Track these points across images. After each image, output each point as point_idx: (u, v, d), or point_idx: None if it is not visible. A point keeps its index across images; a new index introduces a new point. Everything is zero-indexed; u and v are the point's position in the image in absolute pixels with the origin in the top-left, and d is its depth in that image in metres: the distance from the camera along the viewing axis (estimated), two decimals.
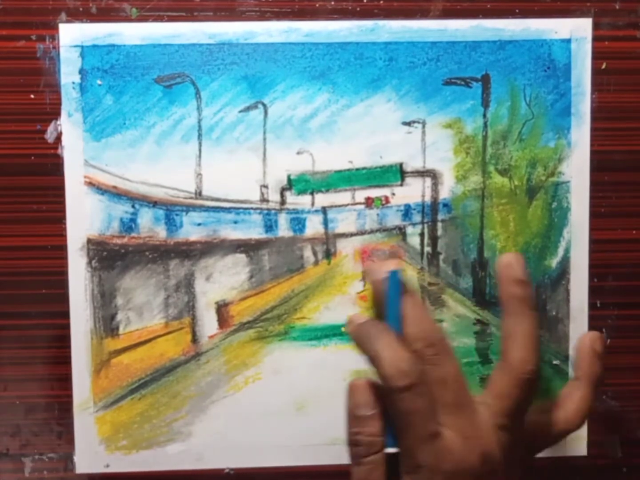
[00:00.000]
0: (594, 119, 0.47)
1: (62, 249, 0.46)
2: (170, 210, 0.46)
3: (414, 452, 0.33)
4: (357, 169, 0.47)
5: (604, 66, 0.47)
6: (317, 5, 0.46)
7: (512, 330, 0.36)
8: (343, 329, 0.37)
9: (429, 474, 0.33)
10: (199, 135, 0.46)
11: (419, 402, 0.33)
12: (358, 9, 0.46)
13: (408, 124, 0.47)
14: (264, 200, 0.47)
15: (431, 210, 0.47)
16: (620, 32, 0.47)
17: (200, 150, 0.46)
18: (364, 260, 0.47)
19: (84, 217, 0.46)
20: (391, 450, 0.33)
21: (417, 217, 0.47)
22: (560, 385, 0.47)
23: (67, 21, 0.45)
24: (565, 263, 0.48)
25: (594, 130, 0.47)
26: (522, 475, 0.37)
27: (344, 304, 0.47)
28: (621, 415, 0.49)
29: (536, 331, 0.36)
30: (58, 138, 0.46)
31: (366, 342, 0.35)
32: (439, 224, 0.47)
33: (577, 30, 0.46)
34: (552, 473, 0.48)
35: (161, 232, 0.46)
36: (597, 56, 0.47)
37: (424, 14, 0.46)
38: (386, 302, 0.34)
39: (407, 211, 0.47)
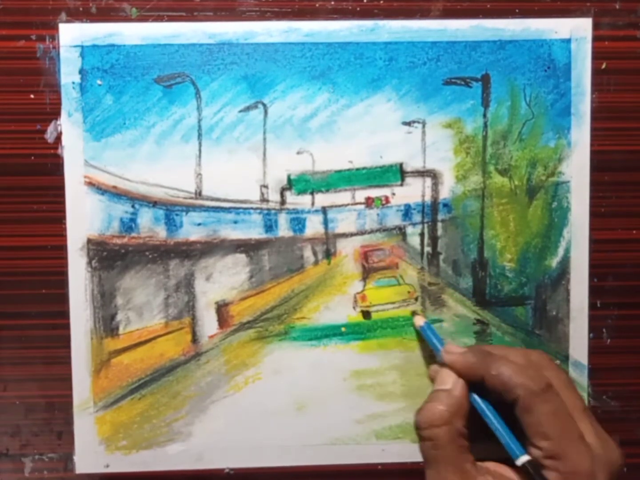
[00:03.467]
0: (594, 119, 0.47)
1: (62, 249, 0.46)
2: (170, 210, 0.46)
3: (570, 455, 0.32)
4: (357, 169, 0.47)
5: (604, 66, 0.47)
6: (317, 5, 0.46)
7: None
8: (441, 355, 0.38)
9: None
10: (199, 135, 0.46)
11: (560, 401, 0.33)
12: (358, 9, 0.46)
13: (408, 124, 0.47)
14: (264, 200, 0.47)
15: (431, 210, 0.47)
16: (620, 32, 0.47)
17: (200, 150, 0.46)
18: (363, 260, 0.48)
19: (84, 217, 0.46)
20: (524, 458, 0.33)
21: (417, 217, 0.47)
22: None
23: (67, 21, 0.45)
24: (565, 263, 0.48)
25: (594, 130, 0.47)
26: None
27: (344, 304, 0.47)
28: (621, 415, 0.49)
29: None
30: (58, 138, 0.46)
31: (479, 367, 0.35)
32: (439, 224, 0.47)
33: (577, 30, 0.46)
34: None
35: (161, 232, 0.46)
36: (597, 56, 0.47)
37: (424, 14, 0.46)
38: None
39: (407, 211, 0.47)
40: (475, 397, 0.35)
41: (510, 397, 0.33)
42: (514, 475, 0.34)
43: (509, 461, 0.34)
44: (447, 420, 0.34)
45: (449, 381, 0.36)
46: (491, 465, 0.35)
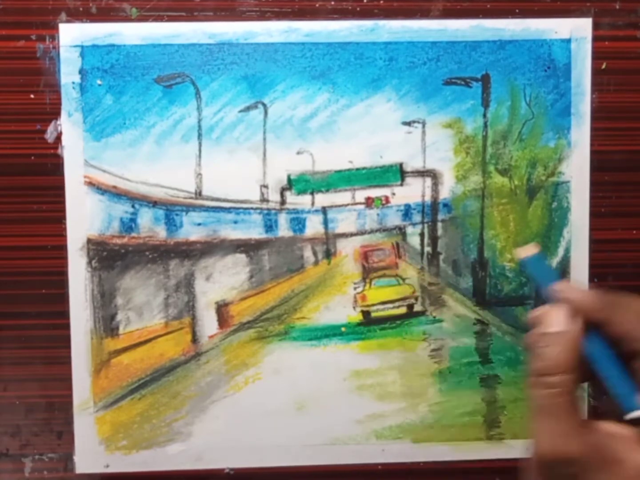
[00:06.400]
0: (594, 119, 0.47)
1: (62, 249, 0.46)
2: (170, 210, 0.46)
3: None
4: (357, 169, 0.47)
5: (604, 66, 0.47)
6: (317, 5, 0.46)
7: None
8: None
9: None
10: (199, 135, 0.46)
11: None
12: (358, 9, 0.46)
13: (408, 124, 0.47)
14: (264, 200, 0.47)
15: (431, 210, 0.47)
16: (620, 32, 0.47)
17: (200, 150, 0.46)
18: (363, 260, 0.48)
19: (84, 217, 0.46)
20: (637, 413, 0.30)
21: (417, 217, 0.47)
22: None
23: (67, 21, 0.45)
24: (565, 263, 0.48)
25: (594, 130, 0.47)
26: None
27: (344, 304, 0.47)
28: (621, 416, 0.49)
29: None
30: (58, 138, 0.46)
31: (603, 309, 0.31)
32: (439, 224, 0.47)
33: (577, 30, 0.46)
34: None
35: (161, 232, 0.46)
36: (597, 56, 0.47)
37: (424, 14, 0.46)
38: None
39: (407, 211, 0.47)
40: (592, 339, 0.31)
41: (635, 348, 0.30)
42: (632, 433, 0.30)
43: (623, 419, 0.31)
44: (568, 368, 0.30)
45: (564, 322, 0.30)
46: (605, 424, 0.31)
